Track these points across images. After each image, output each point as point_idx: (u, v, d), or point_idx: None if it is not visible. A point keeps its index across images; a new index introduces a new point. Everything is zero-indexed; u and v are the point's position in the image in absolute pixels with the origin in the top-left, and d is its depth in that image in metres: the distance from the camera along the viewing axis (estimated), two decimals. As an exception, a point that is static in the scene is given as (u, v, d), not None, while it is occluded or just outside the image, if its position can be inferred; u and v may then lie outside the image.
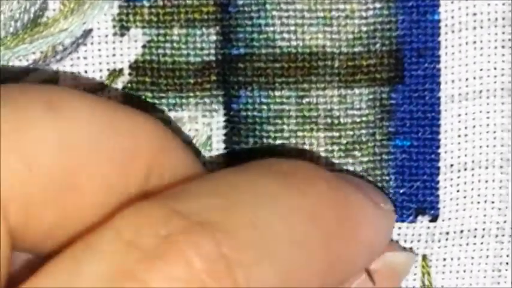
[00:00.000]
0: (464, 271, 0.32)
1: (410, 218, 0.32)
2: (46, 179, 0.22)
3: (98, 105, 0.24)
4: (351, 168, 0.32)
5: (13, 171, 0.22)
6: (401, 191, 0.32)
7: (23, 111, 0.22)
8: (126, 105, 0.26)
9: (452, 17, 0.31)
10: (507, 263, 0.32)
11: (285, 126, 0.31)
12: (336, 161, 0.32)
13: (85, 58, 0.31)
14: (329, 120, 0.31)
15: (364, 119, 0.32)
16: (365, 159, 0.32)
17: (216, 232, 0.21)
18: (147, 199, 0.23)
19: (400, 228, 0.32)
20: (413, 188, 0.32)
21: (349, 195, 0.27)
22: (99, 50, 0.31)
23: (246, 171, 0.26)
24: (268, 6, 0.31)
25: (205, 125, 0.31)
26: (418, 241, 0.32)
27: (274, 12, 0.31)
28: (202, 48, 0.31)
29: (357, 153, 0.32)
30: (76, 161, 0.23)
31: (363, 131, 0.32)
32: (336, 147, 0.32)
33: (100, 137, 0.23)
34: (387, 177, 0.32)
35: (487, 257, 0.32)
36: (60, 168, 0.22)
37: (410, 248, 0.32)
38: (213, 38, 0.31)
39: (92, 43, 0.31)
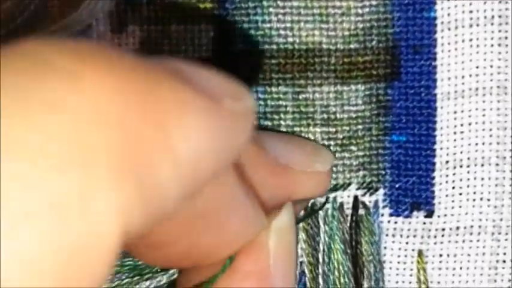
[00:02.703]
0: (461, 268, 0.32)
1: (406, 212, 0.32)
2: None
3: None
4: (347, 162, 0.32)
5: None
6: (397, 186, 0.32)
7: None
8: None
9: (449, 15, 0.31)
10: (504, 261, 0.32)
11: (282, 122, 0.32)
12: (332, 155, 0.32)
13: (81, 54, 0.32)
14: (325, 116, 0.32)
15: (360, 114, 0.32)
16: (361, 153, 0.32)
17: None
18: None
19: (396, 222, 0.32)
20: (409, 183, 0.32)
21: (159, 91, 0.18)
22: (96, 46, 0.32)
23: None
24: (265, 3, 0.31)
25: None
26: (414, 236, 0.32)
27: (270, 9, 0.31)
28: (199, 45, 0.32)
29: (353, 147, 0.32)
30: None
31: (359, 126, 0.32)
32: (332, 142, 0.32)
33: None
34: (383, 172, 0.32)
35: (484, 254, 0.32)
36: None
37: (406, 243, 0.32)
38: (211, 34, 0.32)
39: (90, 40, 0.32)
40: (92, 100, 0.16)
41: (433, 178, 0.32)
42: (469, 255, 0.32)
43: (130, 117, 0.16)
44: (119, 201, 0.16)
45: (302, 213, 0.32)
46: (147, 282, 0.31)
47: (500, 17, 0.31)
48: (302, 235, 0.33)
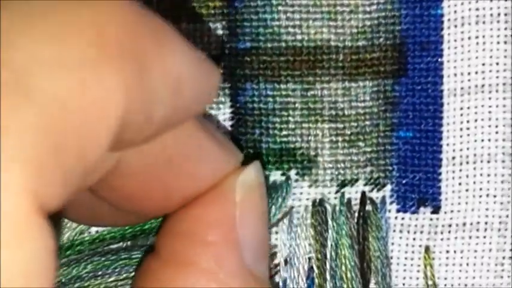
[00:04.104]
0: (467, 264, 0.32)
1: (413, 208, 0.33)
2: None
3: None
4: (355, 158, 0.33)
5: None
6: (403, 181, 0.32)
7: None
8: None
9: (455, 12, 0.31)
10: (510, 257, 0.32)
11: (290, 118, 0.33)
12: (340, 151, 0.33)
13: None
14: (333, 112, 0.32)
15: (368, 110, 0.32)
16: (369, 149, 0.33)
17: None
18: None
19: (403, 218, 0.33)
20: (416, 179, 0.32)
21: None
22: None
23: None
24: (274, 1, 0.32)
25: (212, 116, 0.33)
26: (421, 232, 0.33)
27: (279, 7, 0.32)
28: (209, 43, 0.32)
29: (360, 143, 0.33)
30: None
31: (367, 122, 0.32)
32: (340, 138, 0.33)
33: None
34: (390, 167, 0.33)
35: (490, 250, 0.32)
36: None
37: (413, 239, 0.33)
38: (220, 32, 0.32)
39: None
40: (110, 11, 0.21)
41: (440, 174, 0.32)
42: (475, 251, 0.32)
43: (137, 23, 0.21)
44: (123, 78, 0.20)
45: (310, 208, 0.33)
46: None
47: (506, 14, 0.31)
48: (310, 231, 0.33)
